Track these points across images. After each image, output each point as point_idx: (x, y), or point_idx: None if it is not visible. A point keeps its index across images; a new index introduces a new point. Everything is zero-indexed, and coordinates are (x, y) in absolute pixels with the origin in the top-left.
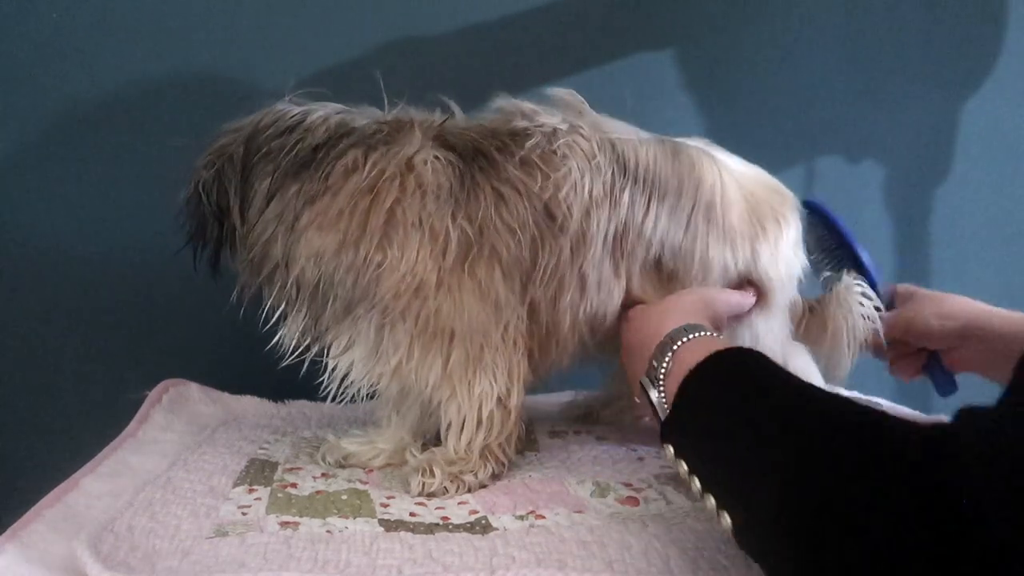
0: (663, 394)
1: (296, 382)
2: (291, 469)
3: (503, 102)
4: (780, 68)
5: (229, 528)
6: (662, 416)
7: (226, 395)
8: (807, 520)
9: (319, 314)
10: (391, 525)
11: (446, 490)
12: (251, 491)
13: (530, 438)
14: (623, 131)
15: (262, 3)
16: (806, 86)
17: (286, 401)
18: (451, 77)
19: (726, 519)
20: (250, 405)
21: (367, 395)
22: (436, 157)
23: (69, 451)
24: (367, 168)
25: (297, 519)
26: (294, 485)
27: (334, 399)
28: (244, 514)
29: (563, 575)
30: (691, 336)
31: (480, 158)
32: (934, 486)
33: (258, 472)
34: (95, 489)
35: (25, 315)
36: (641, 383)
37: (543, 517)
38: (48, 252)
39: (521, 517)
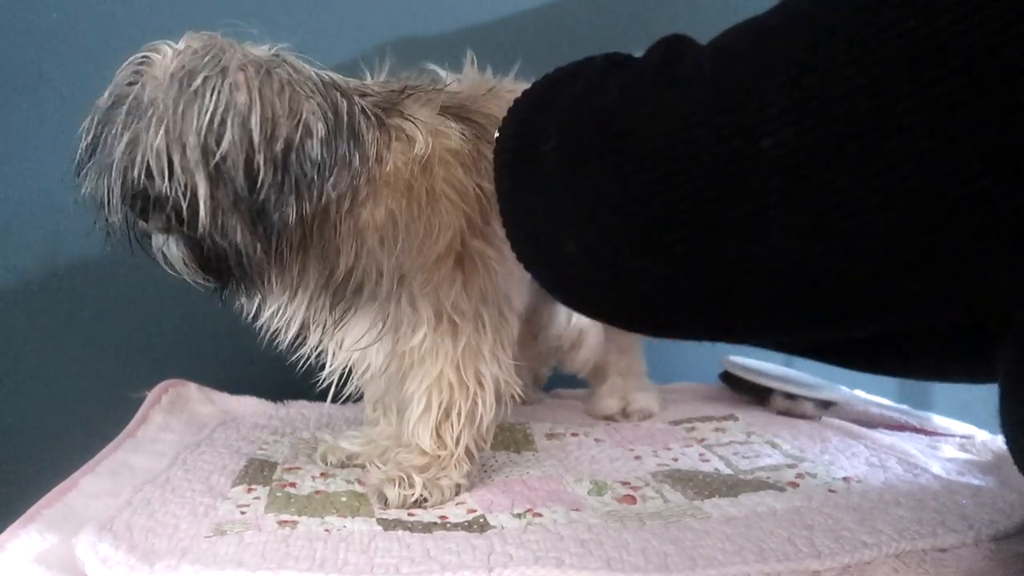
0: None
1: (295, 382)
2: (290, 469)
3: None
4: None
5: (228, 527)
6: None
7: (225, 395)
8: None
9: (343, 300)
10: (389, 524)
11: (425, 500)
12: (250, 490)
13: (528, 439)
14: None
15: (261, 4)
16: None
17: (285, 401)
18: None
19: None
20: (249, 405)
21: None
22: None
23: (69, 451)
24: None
25: (296, 518)
26: (293, 485)
27: (332, 398)
28: (243, 513)
29: (561, 572)
30: None
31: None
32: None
33: (257, 472)
34: (94, 488)
35: (25, 315)
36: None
37: (541, 515)
38: (47, 251)
39: (519, 515)
